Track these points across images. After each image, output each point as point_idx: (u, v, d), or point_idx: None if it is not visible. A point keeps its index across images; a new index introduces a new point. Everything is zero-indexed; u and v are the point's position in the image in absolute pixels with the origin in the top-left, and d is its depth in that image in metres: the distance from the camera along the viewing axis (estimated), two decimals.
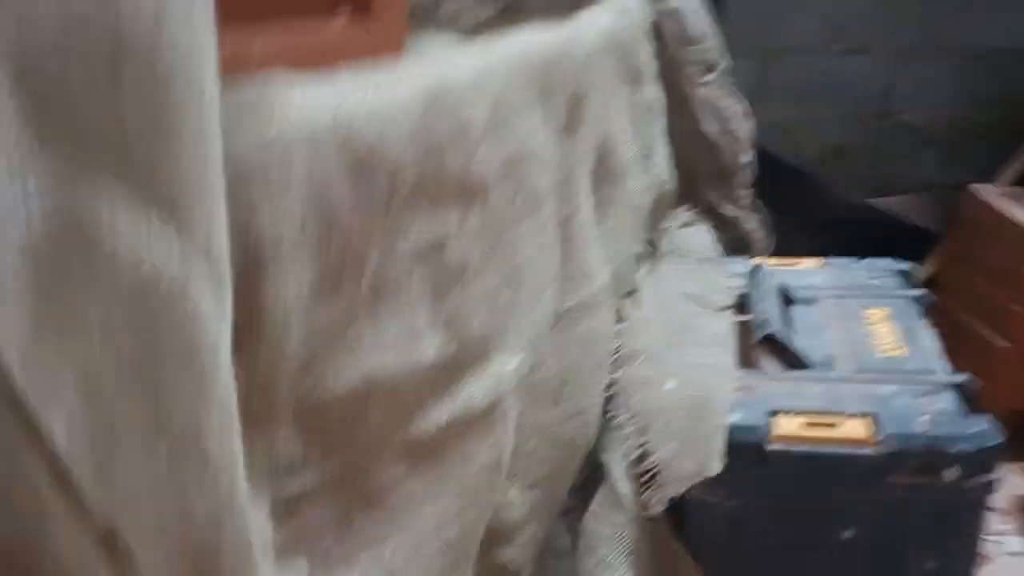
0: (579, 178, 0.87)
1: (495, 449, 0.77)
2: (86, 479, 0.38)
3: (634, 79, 1.00)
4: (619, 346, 1.04)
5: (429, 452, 0.70)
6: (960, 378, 1.01)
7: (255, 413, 0.55)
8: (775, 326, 1.08)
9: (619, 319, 1.05)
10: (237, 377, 0.51)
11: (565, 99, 0.80)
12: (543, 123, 0.75)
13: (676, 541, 0.99)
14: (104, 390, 0.37)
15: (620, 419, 0.99)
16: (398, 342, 0.64)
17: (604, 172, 0.93)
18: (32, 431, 0.37)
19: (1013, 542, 1.30)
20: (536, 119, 0.75)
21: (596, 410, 0.97)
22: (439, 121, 0.62)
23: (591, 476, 1.03)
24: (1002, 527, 1.31)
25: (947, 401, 0.98)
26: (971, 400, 0.98)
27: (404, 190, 0.61)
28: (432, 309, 0.67)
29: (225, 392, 0.42)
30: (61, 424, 0.37)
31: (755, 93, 1.39)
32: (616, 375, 1.02)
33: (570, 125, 0.81)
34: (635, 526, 0.96)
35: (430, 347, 0.67)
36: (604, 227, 0.96)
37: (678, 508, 0.98)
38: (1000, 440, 0.93)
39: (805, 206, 1.55)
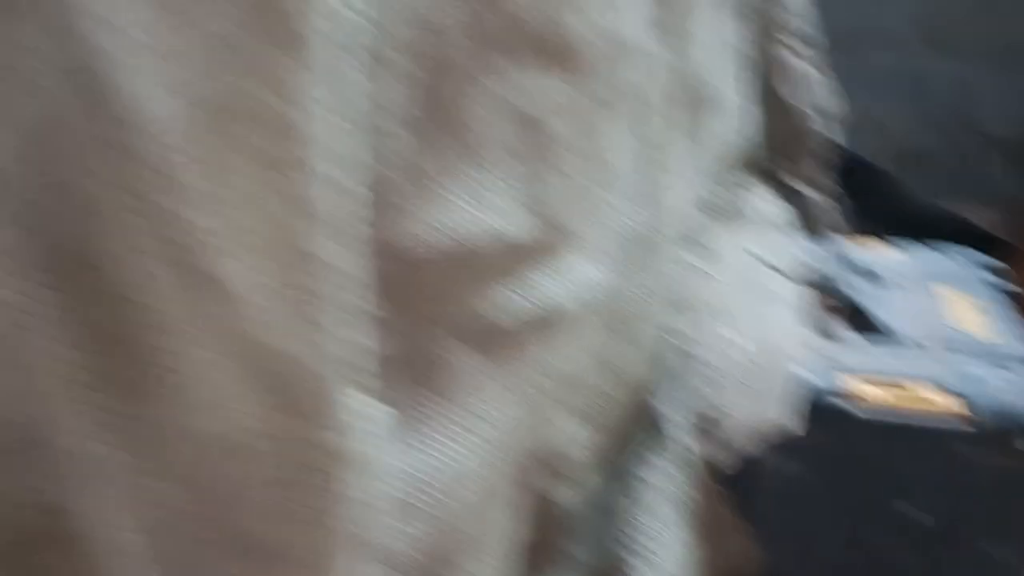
0: (671, 93, 0.82)
1: (570, 362, 0.71)
2: None
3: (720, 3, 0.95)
4: (686, 295, 0.98)
5: (505, 346, 0.65)
6: None
7: None
8: (851, 294, 1.02)
9: (687, 267, 0.99)
10: None
11: None
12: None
13: (729, 507, 0.93)
14: None
15: (684, 370, 0.93)
16: (486, 205, 0.59)
17: (695, 98, 0.88)
18: None
19: None
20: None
21: (662, 354, 0.91)
22: None
23: (644, 435, 0.97)
24: None
25: None
26: None
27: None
28: (521, 178, 0.62)
29: None
30: None
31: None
32: (681, 325, 0.96)
33: (663, 21, 0.76)
34: (689, 482, 0.90)
35: (514, 222, 0.62)
36: (686, 160, 0.90)
37: (736, 474, 0.92)
38: None
39: (879, 205, 1.50)
